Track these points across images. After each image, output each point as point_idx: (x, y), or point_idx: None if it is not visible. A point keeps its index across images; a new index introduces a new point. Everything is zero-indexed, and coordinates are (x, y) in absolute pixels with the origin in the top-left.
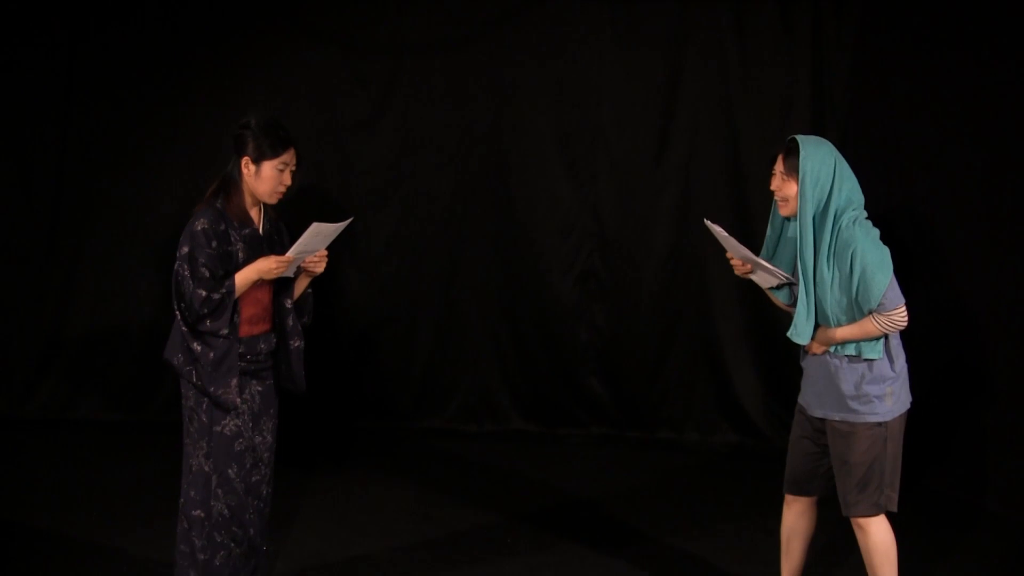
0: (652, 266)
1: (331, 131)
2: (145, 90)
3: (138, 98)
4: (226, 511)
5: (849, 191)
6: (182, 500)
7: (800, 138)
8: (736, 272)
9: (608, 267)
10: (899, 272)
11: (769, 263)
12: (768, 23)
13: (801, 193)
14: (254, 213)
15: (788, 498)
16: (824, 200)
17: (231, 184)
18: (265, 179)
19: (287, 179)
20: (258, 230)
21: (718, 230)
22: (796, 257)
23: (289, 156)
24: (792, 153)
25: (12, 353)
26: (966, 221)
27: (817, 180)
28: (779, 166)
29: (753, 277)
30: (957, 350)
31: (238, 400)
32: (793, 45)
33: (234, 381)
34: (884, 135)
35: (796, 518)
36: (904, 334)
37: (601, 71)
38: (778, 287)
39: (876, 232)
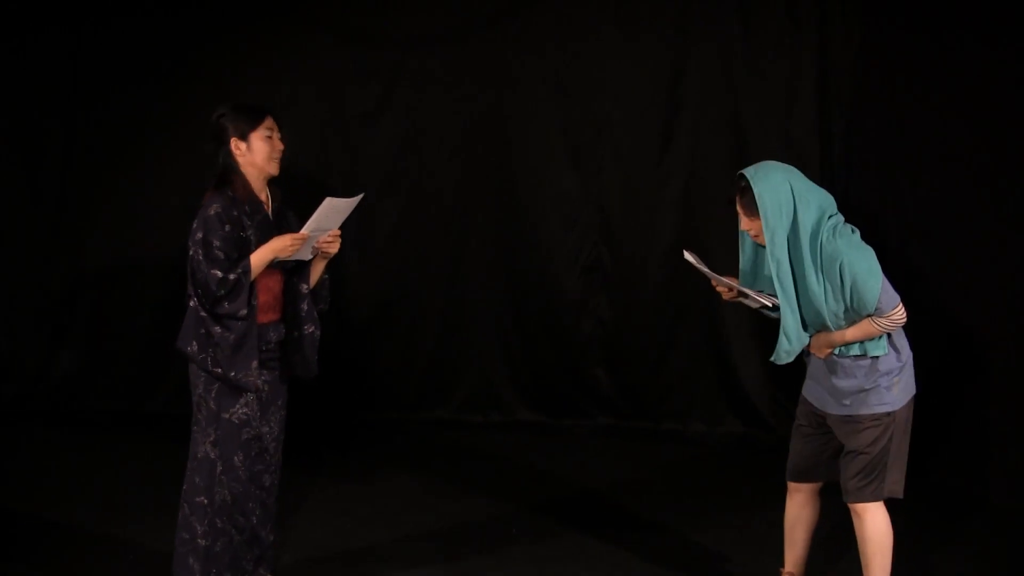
0: (657, 257)
1: (335, 123)
2: (150, 83)
3: (143, 91)
4: (229, 497)
5: (817, 202)
6: (185, 487)
7: (748, 174)
8: (724, 298)
9: (613, 258)
10: (902, 264)
11: (750, 289)
12: (773, 15)
13: (767, 226)
14: (262, 198)
15: (791, 486)
16: (791, 222)
17: (232, 173)
18: (258, 150)
19: (278, 143)
20: (268, 215)
21: (698, 263)
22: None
23: (270, 122)
24: (745, 192)
25: (18, 344)
26: (970, 213)
27: (780, 209)
28: (739, 207)
29: (741, 300)
30: (960, 341)
31: (259, 382)
32: (799, 37)
33: (254, 363)
34: (889, 128)
35: (799, 508)
36: (907, 325)
37: (605, 63)
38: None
39: (856, 235)
